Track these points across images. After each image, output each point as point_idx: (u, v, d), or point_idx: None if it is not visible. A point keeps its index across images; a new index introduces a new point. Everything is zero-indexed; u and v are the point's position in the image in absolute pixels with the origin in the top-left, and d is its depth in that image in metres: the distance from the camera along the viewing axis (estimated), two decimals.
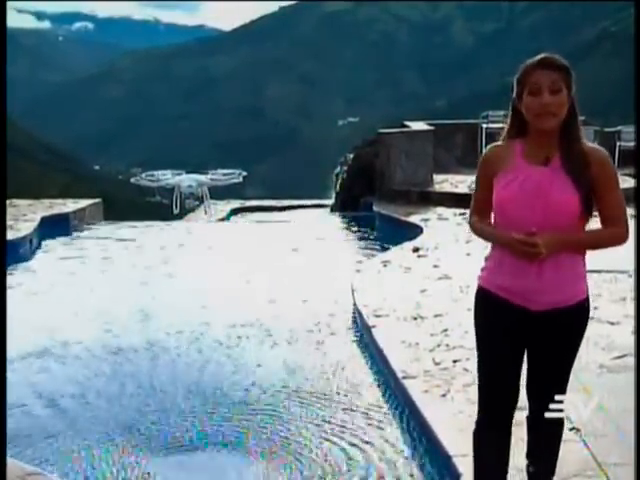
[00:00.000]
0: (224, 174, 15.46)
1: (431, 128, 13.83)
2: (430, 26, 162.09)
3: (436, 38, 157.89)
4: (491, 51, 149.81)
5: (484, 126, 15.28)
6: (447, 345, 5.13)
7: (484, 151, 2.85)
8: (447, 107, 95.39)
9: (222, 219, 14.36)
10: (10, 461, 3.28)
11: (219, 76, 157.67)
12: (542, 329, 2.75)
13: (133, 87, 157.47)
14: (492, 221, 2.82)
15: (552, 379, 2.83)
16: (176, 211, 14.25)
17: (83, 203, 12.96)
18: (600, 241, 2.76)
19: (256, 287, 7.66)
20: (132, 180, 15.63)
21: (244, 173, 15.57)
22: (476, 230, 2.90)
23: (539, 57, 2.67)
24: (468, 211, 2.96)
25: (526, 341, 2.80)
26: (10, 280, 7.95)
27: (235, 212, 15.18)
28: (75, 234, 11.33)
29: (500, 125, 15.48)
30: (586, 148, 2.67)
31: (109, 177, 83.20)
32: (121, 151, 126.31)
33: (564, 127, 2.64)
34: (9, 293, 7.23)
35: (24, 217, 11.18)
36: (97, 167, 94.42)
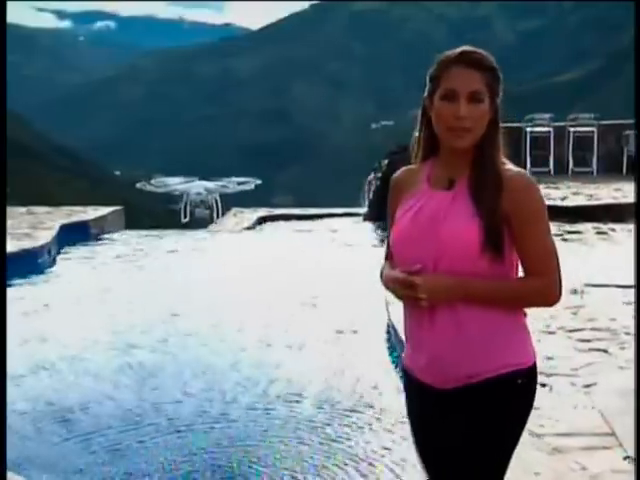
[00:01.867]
0: (238, 182, 15.38)
1: None
2: (469, 24, 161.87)
3: (475, 36, 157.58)
4: (531, 51, 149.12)
5: (528, 129, 15.20)
6: None
7: (393, 176, 2.38)
8: None
9: (249, 227, 14.36)
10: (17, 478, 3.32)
11: (244, 77, 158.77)
12: (453, 415, 2.11)
13: (154, 89, 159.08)
14: None
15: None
16: (184, 220, 13.95)
17: (104, 210, 12.85)
18: (515, 294, 2.10)
19: (286, 297, 7.67)
20: (138, 185, 15.42)
21: (258, 181, 15.47)
22: (381, 279, 2.25)
23: (460, 50, 2.10)
24: None
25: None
26: (27, 291, 8.04)
27: (262, 220, 15.20)
28: (95, 242, 11.40)
29: (546, 129, 15.38)
30: (505, 170, 2.08)
31: (129, 183, 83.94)
32: (141, 155, 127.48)
33: (481, 142, 2.09)
34: (25, 304, 7.33)
35: (42, 225, 11.25)
36: (118, 172, 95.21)
